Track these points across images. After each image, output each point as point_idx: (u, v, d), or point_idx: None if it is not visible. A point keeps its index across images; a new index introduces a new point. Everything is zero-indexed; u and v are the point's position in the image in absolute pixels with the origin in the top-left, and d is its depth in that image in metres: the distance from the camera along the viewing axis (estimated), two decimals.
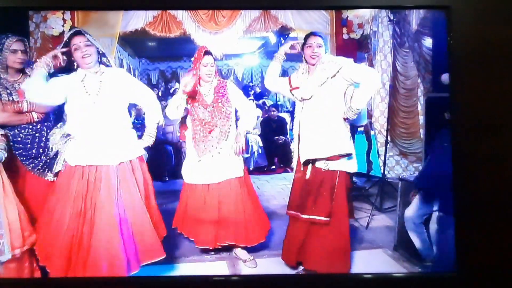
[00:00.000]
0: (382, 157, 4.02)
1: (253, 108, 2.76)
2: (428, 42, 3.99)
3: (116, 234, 2.15)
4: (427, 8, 3.18)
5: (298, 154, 2.46)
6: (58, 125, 2.37)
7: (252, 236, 2.57)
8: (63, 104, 2.29)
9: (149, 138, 2.42)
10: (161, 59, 6.45)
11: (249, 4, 2.70)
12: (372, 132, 4.57)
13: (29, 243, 2.15)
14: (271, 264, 2.56)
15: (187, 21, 3.83)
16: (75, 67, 2.28)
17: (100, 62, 2.31)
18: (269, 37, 5.24)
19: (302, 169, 2.45)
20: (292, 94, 2.50)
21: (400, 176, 3.00)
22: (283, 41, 5.24)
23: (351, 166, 2.38)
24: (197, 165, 2.57)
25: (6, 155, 2.13)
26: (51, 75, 2.24)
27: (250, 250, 2.62)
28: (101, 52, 2.31)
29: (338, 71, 2.32)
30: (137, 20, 3.66)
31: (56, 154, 2.40)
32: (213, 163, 2.55)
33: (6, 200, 2.09)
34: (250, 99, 5.05)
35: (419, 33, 4.04)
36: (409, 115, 4.44)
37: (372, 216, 3.22)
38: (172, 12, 3.73)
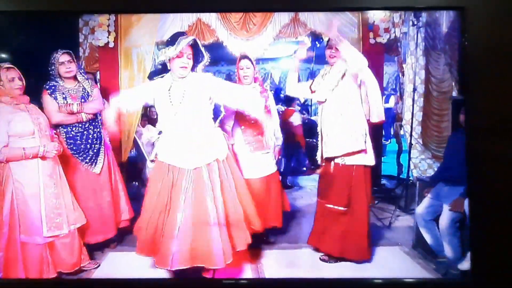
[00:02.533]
0: (413, 160, 4.02)
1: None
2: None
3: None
4: (442, 9, 3.21)
5: (321, 152, 2.68)
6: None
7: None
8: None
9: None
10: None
11: (277, 6, 2.78)
12: (402, 133, 4.55)
13: (80, 222, 2.57)
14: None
15: (219, 29, 4.02)
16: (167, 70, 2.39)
17: (192, 70, 2.39)
18: (305, 41, 5.36)
19: (325, 164, 2.68)
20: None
21: (418, 177, 3.03)
22: (318, 45, 5.36)
23: (368, 159, 2.51)
24: (251, 159, 2.77)
25: (61, 149, 2.48)
26: (149, 77, 2.48)
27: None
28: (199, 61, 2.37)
29: (344, 73, 2.46)
30: (173, 29, 3.88)
31: (98, 150, 2.79)
32: (265, 159, 2.80)
33: (62, 186, 2.52)
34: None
35: (450, 36, 4.00)
36: (442, 118, 4.37)
37: (396, 216, 3.27)
38: (206, 21, 3.95)
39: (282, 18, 4.10)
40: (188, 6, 2.42)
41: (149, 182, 2.46)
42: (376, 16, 3.89)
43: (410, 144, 3.74)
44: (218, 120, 2.49)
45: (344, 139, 2.50)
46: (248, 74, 2.76)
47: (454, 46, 4.04)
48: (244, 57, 2.79)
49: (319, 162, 2.73)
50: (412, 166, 4.15)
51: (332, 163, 2.59)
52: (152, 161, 2.50)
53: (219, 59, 6.65)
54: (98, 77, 3.99)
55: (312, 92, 2.69)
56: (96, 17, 3.76)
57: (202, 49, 2.37)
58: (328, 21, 2.53)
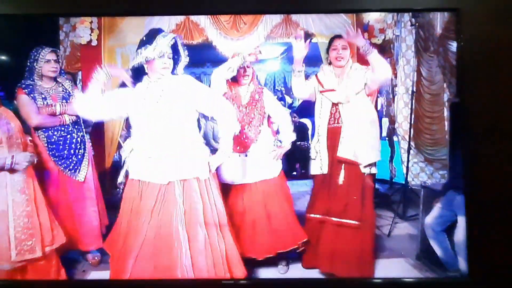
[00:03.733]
0: (406, 163, 3.95)
1: (288, 117, 2.76)
2: (453, 46, 3.89)
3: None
4: (436, 11, 3.19)
5: (329, 156, 2.48)
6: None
7: (285, 241, 2.54)
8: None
9: (222, 153, 2.13)
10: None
11: (269, 8, 2.69)
12: (395, 138, 4.49)
13: (58, 242, 2.29)
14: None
15: (209, 28, 3.88)
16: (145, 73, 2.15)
17: (172, 72, 2.19)
18: (292, 43, 5.25)
19: (330, 171, 2.49)
20: (326, 96, 2.52)
21: (423, 184, 2.94)
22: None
23: (375, 168, 2.41)
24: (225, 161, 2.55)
25: (36, 158, 2.24)
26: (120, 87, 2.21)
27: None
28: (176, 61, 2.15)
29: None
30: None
31: (82, 156, 2.58)
32: (241, 163, 2.59)
33: (37, 202, 2.24)
34: None
35: (443, 37, 3.96)
36: (434, 120, 4.35)
37: (394, 224, 3.16)
38: (195, 19, 3.79)
39: (274, 17, 3.98)
40: (176, 8, 2.30)
41: (121, 206, 2.18)
42: (371, 16, 3.82)
43: (409, 148, 3.66)
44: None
45: (370, 146, 2.39)
46: (248, 74, 2.65)
47: (448, 48, 4.02)
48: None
49: (323, 169, 2.51)
50: (403, 170, 4.10)
51: (343, 170, 2.40)
52: (119, 184, 2.22)
53: (205, 60, 6.50)
54: (79, 77, 3.77)
55: (325, 90, 2.50)
56: None
57: (181, 49, 2.17)
58: (348, 28, 2.39)
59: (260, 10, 2.92)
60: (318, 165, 2.54)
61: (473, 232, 2.04)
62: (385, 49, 4.14)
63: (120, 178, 2.20)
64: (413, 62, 4.20)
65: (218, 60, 4.46)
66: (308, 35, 4.28)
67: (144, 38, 2.13)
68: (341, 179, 2.42)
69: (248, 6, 2.36)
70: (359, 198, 2.38)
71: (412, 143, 4.27)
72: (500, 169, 2.03)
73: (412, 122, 4.24)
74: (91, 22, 3.59)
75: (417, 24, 3.72)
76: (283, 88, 6.91)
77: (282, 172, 2.72)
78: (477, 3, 2.07)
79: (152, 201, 2.04)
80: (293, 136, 2.70)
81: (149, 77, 2.14)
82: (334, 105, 2.47)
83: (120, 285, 2.18)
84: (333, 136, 2.49)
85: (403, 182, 3.78)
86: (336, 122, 2.48)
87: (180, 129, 2.09)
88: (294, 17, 4.00)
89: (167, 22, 3.75)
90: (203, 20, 3.85)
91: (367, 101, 2.44)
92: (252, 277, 2.40)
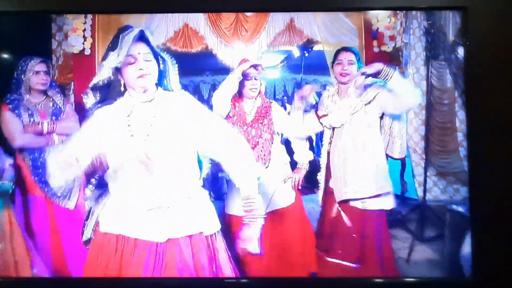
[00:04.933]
0: (417, 177, 3.75)
1: (304, 133, 2.47)
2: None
3: None
4: (442, 9, 3.07)
5: (326, 187, 2.32)
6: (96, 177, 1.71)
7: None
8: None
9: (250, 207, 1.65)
10: (183, 73, 6.35)
11: (272, 7, 2.52)
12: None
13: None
14: None
15: (209, 36, 3.74)
16: (121, 91, 1.69)
17: (159, 84, 1.72)
18: (292, 51, 5.12)
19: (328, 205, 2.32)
20: (321, 123, 2.33)
21: (449, 207, 2.72)
22: (306, 55, 5.11)
23: (387, 202, 2.17)
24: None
25: (13, 186, 2.02)
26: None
27: None
28: (162, 68, 1.70)
29: (374, 98, 2.14)
30: (158, 36, 3.57)
31: (72, 183, 2.27)
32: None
33: (13, 238, 2.01)
34: None
35: (455, 44, 3.81)
36: (446, 131, 4.18)
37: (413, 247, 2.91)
38: (194, 26, 3.64)
39: (277, 24, 3.85)
40: (175, 5, 2.13)
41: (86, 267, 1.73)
42: (380, 23, 3.66)
43: (426, 162, 3.45)
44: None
45: (369, 177, 2.14)
46: (256, 87, 2.38)
47: (460, 55, 3.86)
48: (254, 66, 2.40)
49: (319, 202, 2.38)
50: (416, 184, 3.90)
51: (336, 206, 2.23)
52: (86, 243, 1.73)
53: (204, 69, 6.37)
54: (72, 87, 3.60)
55: (320, 117, 2.31)
56: (70, 21, 3.38)
57: (153, 49, 1.66)
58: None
59: (261, 8, 2.75)
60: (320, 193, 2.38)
61: (478, 231, 1.97)
62: (394, 56, 3.98)
63: (88, 234, 1.72)
64: (422, 71, 4.04)
65: (218, 69, 4.33)
66: (312, 43, 4.15)
67: (110, 45, 1.64)
68: (333, 212, 2.27)
69: (250, 5, 2.19)
70: (359, 236, 2.18)
71: (423, 156, 4.09)
72: (505, 171, 1.96)
73: (423, 133, 4.08)
74: (84, 30, 3.46)
75: (432, 30, 3.55)
76: (285, 97, 6.76)
77: (299, 194, 2.46)
78: (485, 2, 1.97)
79: (141, 261, 1.58)
80: (310, 155, 2.43)
81: (130, 95, 1.68)
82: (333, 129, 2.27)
83: (118, 283, 1.93)
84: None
85: (415, 197, 3.57)
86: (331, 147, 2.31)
87: (176, 168, 1.64)
88: (298, 24, 3.88)
89: (165, 29, 3.62)
90: (202, 28, 3.72)
91: (365, 122, 2.21)
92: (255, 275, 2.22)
